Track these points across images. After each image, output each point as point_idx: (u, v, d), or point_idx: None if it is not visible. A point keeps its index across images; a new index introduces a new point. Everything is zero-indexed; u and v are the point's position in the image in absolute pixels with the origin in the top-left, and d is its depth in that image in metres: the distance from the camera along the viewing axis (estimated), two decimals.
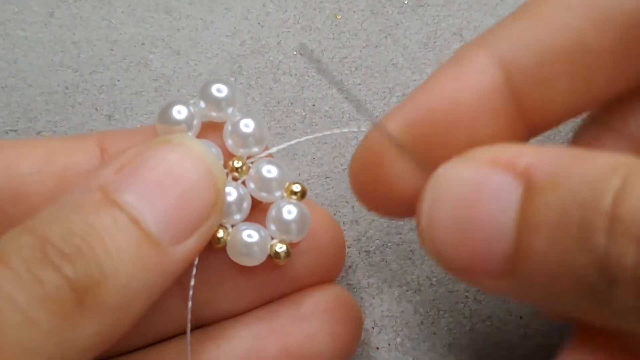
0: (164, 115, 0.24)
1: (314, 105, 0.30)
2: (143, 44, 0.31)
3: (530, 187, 0.19)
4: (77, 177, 0.24)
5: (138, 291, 0.20)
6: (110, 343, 0.21)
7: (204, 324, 0.25)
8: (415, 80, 0.30)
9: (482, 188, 0.20)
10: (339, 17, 0.32)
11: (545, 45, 0.21)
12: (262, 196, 0.24)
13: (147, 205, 0.21)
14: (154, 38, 0.31)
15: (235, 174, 0.24)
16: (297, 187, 0.25)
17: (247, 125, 0.24)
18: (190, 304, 0.23)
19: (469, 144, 0.21)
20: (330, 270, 0.26)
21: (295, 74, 0.31)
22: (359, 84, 0.30)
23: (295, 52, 0.31)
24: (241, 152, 0.24)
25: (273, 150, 0.25)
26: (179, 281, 0.23)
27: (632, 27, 0.21)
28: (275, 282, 0.25)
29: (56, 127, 0.30)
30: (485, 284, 0.20)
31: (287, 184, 0.25)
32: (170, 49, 0.31)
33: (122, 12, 0.31)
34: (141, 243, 0.20)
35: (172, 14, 0.31)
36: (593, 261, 0.18)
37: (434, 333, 0.29)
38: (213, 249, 0.24)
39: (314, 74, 0.31)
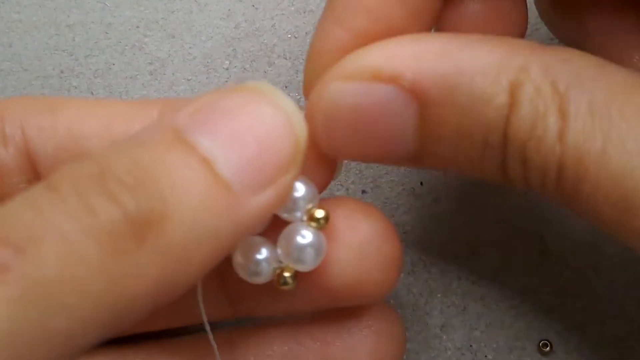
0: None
1: None
2: (137, 27, 0.31)
3: (422, 103, 0.20)
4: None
5: (205, 235, 0.18)
6: (171, 295, 0.18)
7: (242, 316, 0.25)
8: None
9: (378, 106, 0.21)
10: None
11: None
12: (284, 216, 0.22)
13: (221, 149, 0.19)
14: (149, 21, 0.31)
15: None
16: (320, 213, 0.22)
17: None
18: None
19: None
20: (377, 289, 0.23)
21: (290, 57, 0.31)
22: None
23: (289, 35, 0.31)
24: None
25: None
26: (219, 270, 0.22)
27: None
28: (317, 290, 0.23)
29: None
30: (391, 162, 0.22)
31: (309, 206, 0.22)
32: (165, 32, 0.31)
33: None
34: (211, 184, 0.18)
35: None
36: (496, 169, 0.20)
37: (427, 313, 0.29)
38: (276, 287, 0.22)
39: None
